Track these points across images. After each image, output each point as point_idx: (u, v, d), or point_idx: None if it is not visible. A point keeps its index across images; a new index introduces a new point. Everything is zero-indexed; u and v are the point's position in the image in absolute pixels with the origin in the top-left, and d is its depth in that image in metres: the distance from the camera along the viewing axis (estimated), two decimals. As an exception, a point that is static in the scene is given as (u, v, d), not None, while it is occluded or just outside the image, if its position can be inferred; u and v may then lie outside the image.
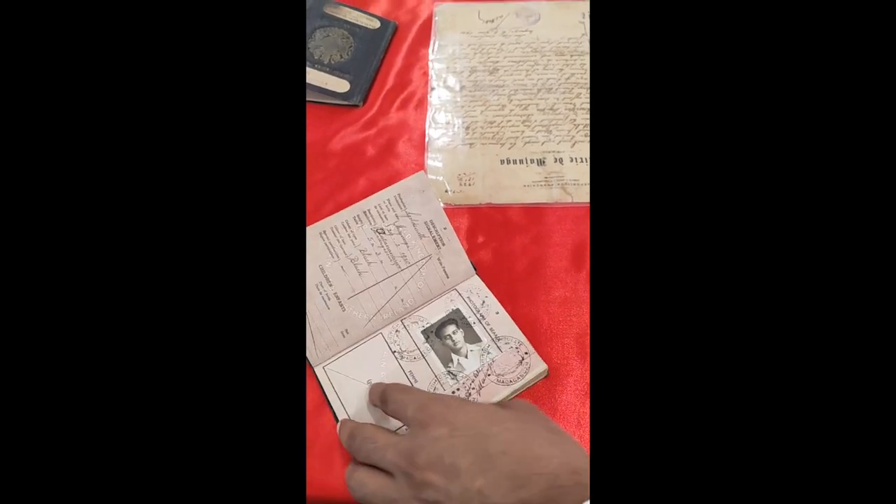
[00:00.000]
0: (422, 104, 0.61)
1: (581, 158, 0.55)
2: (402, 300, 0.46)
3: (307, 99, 0.61)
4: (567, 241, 0.51)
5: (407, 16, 0.70)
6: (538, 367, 0.43)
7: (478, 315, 0.46)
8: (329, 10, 0.67)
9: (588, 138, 0.57)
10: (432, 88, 0.62)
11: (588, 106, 0.59)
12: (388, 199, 0.46)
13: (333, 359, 0.45)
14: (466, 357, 0.44)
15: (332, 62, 0.63)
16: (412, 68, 0.64)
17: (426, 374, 0.44)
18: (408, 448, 0.33)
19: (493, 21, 0.68)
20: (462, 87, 0.62)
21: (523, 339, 0.45)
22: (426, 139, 0.58)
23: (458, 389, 0.43)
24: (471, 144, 0.57)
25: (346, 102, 0.61)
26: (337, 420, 0.42)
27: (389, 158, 0.57)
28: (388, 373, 0.44)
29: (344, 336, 0.45)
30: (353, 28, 0.66)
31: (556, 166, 0.55)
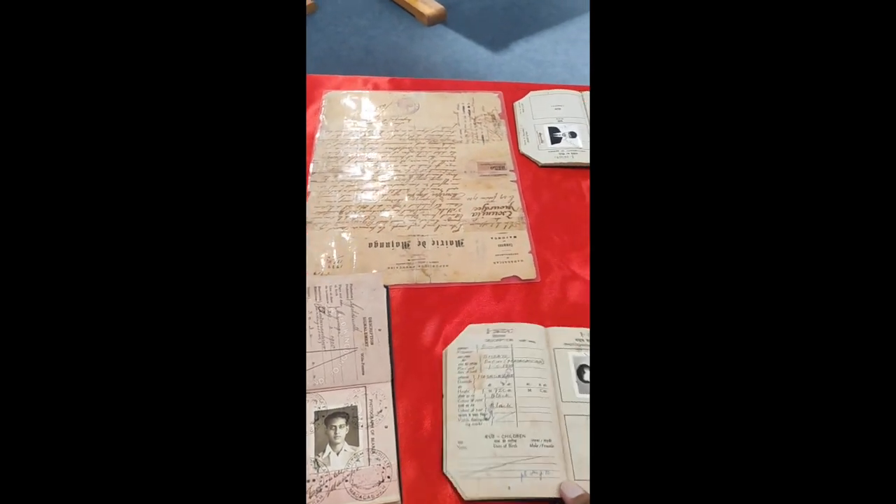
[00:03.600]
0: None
1: (441, 241, 0.61)
2: (314, 376, 0.49)
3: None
4: (424, 319, 0.55)
5: (299, 103, 0.75)
6: (391, 496, 0.44)
7: (369, 420, 0.47)
8: (223, 99, 0.72)
9: (451, 222, 0.62)
10: (313, 172, 0.67)
11: (453, 191, 0.65)
12: (340, 285, 0.50)
13: None
14: (338, 454, 0.45)
15: (221, 148, 0.67)
16: (298, 153, 0.69)
17: None
18: None
19: (376, 109, 0.74)
20: (341, 172, 0.67)
21: (395, 462, 0.45)
22: (305, 221, 0.62)
23: (313, 480, 0.44)
24: (343, 228, 0.62)
25: (230, 187, 0.65)
26: None
27: (268, 240, 0.61)
28: None
29: None
30: (244, 115, 0.71)
31: (419, 249, 0.60)
